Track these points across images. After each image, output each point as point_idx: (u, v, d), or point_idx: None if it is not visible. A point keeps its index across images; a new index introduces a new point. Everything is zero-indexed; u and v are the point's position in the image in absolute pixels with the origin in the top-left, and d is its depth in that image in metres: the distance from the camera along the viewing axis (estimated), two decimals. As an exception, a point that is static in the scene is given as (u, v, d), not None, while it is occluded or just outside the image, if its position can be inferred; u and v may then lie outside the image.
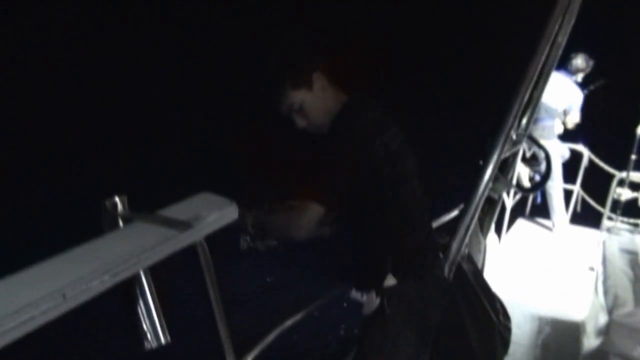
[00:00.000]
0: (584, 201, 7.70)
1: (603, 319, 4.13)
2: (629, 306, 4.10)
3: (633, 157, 6.57)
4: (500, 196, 3.83)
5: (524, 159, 4.10)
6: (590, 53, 6.92)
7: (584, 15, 2.95)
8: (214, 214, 1.26)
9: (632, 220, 6.87)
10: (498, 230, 5.71)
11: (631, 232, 6.17)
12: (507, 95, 3.04)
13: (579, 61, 6.85)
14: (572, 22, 2.94)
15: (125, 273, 1.05)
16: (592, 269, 5.92)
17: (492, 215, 3.89)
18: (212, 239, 1.30)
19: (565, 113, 6.85)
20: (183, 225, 1.19)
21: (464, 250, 3.01)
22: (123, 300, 1.23)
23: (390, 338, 2.49)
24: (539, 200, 7.36)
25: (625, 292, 4.34)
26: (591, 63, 6.93)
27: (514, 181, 4.22)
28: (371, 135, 2.37)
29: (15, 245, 6.32)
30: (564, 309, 5.17)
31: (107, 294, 1.03)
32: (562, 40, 3.04)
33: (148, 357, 1.35)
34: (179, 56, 12.55)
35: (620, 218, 6.79)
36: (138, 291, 1.20)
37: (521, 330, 4.69)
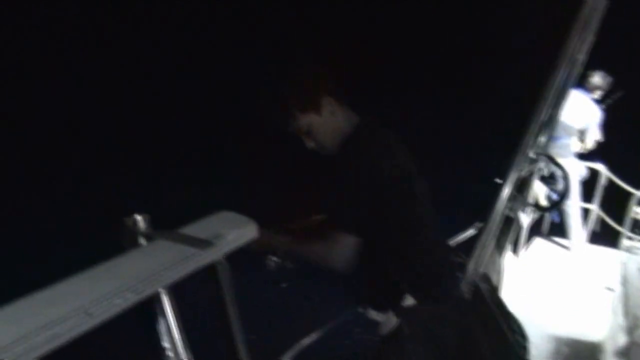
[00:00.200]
0: (602, 220, 7.64)
1: (622, 339, 4.08)
2: (649, 327, 4.06)
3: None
4: (517, 215, 3.81)
5: (541, 178, 4.08)
6: (607, 70, 6.89)
7: (602, 33, 2.94)
8: (234, 232, 1.27)
9: (651, 240, 6.81)
10: (515, 249, 5.69)
11: (650, 251, 6.11)
12: (526, 113, 3.04)
13: (597, 79, 6.82)
14: (591, 39, 2.93)
15: (147, 291, 1.06)
16: (610, 289, 5.87)
17: (509, 234, 3.88)
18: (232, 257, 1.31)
19: (582, 131, 6.82)
20: (204, 244, 1.20)
21: (481, 269, 3.00)
22: (143, 318, 1.24)
23: (407, 358, 2.49)
24: (556, 219, 7.30)
25: (645, 312, 4.30)
26: (609, 80, 6.90)
27: (531, 200, 4.19)
28: (384, 159, 2.37)
29: (39, 262, 6.35)
30: (581, 329, 5.13)
31: (129, 311, 1.04)
32: (581, 58, 3.03)
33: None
34: (204, 81, 12.60)
35: (639, 237, 6.73)
36: (159, 309, 1.21)
37: (538, 350, 4.65)
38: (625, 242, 6.74)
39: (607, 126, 6.94)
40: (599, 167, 7.35)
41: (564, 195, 4.11)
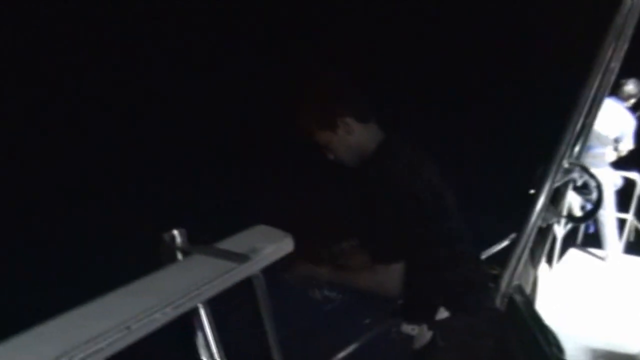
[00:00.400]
0: (637, 230, 7.54)
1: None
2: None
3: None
4: (551, 226, 3.78)
5: (575, 188, 4.05)
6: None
7: (636, 40, 2.92)
8: (270, 246, 1.28)
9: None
10: (549, 260, 5.64)
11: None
12: (559, 123, 3.02)
13: (631, 87, 6.73)
14: (625, 47, 2.91)
15: (186, 305, 1.07)
16: (646, 299, 5.78)
17: (543, 245, 3.84)
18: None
19: (617, 140, 6.74)
20: (240, 258, 1.21)
21: (516, 281, 2.98)
22: (182, 332, 1.25)
23: (442, 371, 2.48)
24: (591, 229, 7.21)
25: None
26: (643, 88, 6.81)
27: (565, 210, 4.16)
28: (411, 176, 2.36)
29: (80, 277, 6.41)
30: (618, 340, 5.06)
31: (167, 326, 1.05)
32: (615, 66, 3.00)
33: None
34: (230, 97, 12.67)
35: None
36: (197, 323, 1.22)
37: (575, 362, 4.60)
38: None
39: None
40: (635, 176, 7.25)
41: (597, 206, 4.07)
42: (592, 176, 3.83)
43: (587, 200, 4.15)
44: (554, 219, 3.64)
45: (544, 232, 3.72)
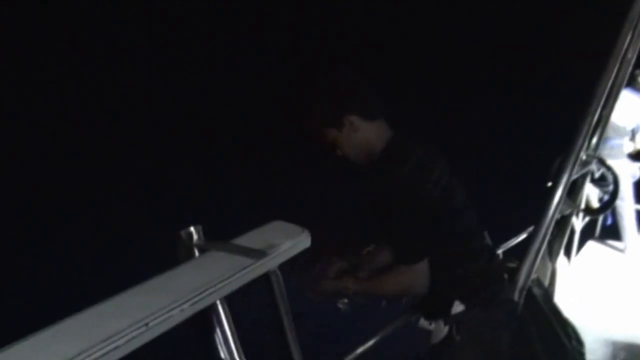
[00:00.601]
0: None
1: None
2: None
3: None
4: (569, 218, 3.76)
5: (593, 180, 4.02)
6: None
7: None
8: (287, 242, 1.27)
9: None
10: (568, 253, 5.60)
11: None
12: (576, 114, 3.00)
13: (647, 78, 6.67)
14: (642, 38, 2.89)
15: (203, 302, 1.07)
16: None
17: (561, 238, 3.83)
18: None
19: (634, 132, 6.68)
20: (258, 254, 1.21)
21: (534, 274, 2.96)
22: (200, 329, 1.25)
23: (460, 365, 2.47)
24: (609, 221, 7.16)
25: None
26: (660, 80, 6.74)
27: (583, 203, 4.14)
28: (421, 176, 2.35)
29: (96, 275, 6.46)
30: (638, 332, 5.02)
31: (185, 322, 1.05)
32: (632, 56, 2.98)
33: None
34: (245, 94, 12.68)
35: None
36: (215, 319, 1.22)
37: (595, 355, 4.57)
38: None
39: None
40: (653, 167, 7.18)
41: (612, 198, 4.05)
42: (609, 168, 3.82)
43: (605, 192, 4.13)
44: (572, 212, 3.63)
45: (562, 224, 3.70)
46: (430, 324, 2.57)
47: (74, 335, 0.90)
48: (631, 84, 6.61)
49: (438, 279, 2.43)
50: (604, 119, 3.42)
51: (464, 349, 2.48)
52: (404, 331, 2.84)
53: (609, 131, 6.32)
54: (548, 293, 3.12)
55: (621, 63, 2.97)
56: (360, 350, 2.64)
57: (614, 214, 6.88)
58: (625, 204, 6.75)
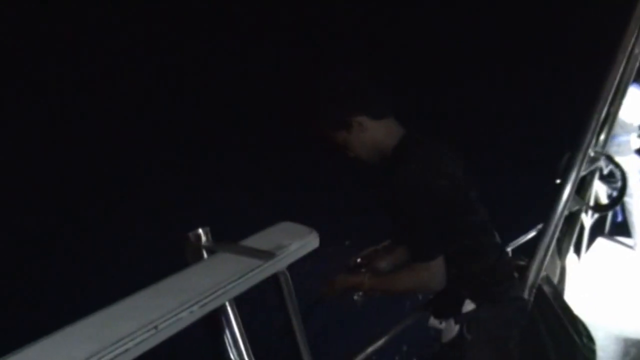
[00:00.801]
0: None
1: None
2: None
3: None
4: (578, 216, 3.75)
5: (601, 177, 4.01)
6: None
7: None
8: (295, 243, 1.27)
9: None
10: (577, 250, 5.59)
11: None
12: (584, 111, 2.99)
13: (655, 74, 6.64)
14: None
15: (212, 304, 1.07)
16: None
17: (571, 235, 3.82)
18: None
19: (641, 128, 6.65)
20: (266, 255, 1.21)
21: (544, 271, 2.96)
22: (209, 330, 1.26)
23: (471, 363, 2.47)
24: (619, 218, 7.13)
25: None
26: (668, 75, 6.71)
27: (592, 200, 4.13)
28: (433, 174, 2.34)
29: (105, 278, 6.48)
30: (649, 329, 5.00)
31: (194, 324, 1.05)
32: (639, 53, 2.97)
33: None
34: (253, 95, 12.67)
35: None
36: (224, 321, 1.22)
37: (606, 352, 4.55)
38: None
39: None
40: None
41: (620, 195, 4.04)
42: (617, 165, 3.81)
43: (614, 189, 4.12)
44: (581, 208, 3.62)
45: (571, 221, 3.69)
46: (441, 322, 2.57)
47: (83, 338, 0.90)
48: (638, 80, 6.57)
49: (448, 275, 2.43)
50: (611, 116, 3.41)
51: (475, 347, 2.47)
52: (413, 330, 2.84)
53: (616, 128, 6.30)
54: (558, 290, 3.11)
55: (628, 60, 2.96)
56: (370, 349, 2.64)
57: (623, 211, 6.85)
58: (634, 200, 6.72)
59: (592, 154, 3.28)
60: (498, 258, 2.60)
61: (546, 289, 2.92)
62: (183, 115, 11.89)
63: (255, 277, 1.17)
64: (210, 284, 1.09)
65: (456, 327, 2.49)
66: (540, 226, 3.01)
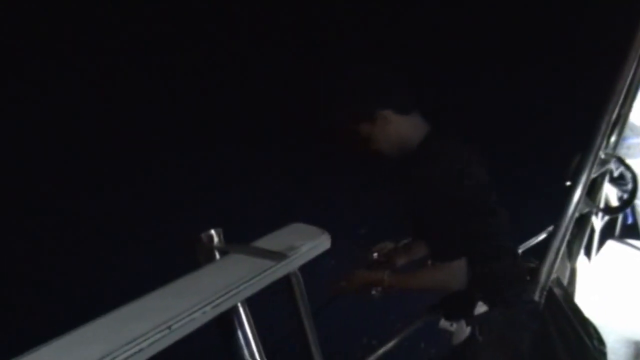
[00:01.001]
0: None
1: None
2: None
3: None
4: (589, 218, 3.74)
5: (612, 179, 4.00)
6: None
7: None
8: (307, 243, 1.28)
9: None
10: (588, 253, 5.57)
11: None
12: (595, 113, 2.98)
13: (665, 76, 6.62)
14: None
15: (225, 304, 1.08)
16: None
17: (581, 237, 3.80)
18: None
19: (652, 130, 6.63)
20: (278, 256, 1.21)
21: (554, 274, 2.95)
22: (221, 331, 1.26)
23: (483, 366, 2.46)
24: (629, 220, 7.10)
25: None
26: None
27: (602, 202, 4.12)
28: (461, 174, 2.33)
29: (118, 278, 6.50)
30: (660, 332, 4.98)
31: (207, 325, 1.06)
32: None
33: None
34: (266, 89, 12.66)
35: None
36: (236, 322, 1.23)
37: (616, 355, 4.53)
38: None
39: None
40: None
41: (631, 197, 4.03)
42: (627, 167, 3.79)
43: (624, 192, 4.10)
44: (591, 211, 3.60)
45: (582, 224, 3.68)
46: (452, 324, 2.56)
47: (97, 338, 0.91)
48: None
49: None
50: (622, 118, 3.40)
51: (487, 350, 2.46)
52: (424, 332, 2.84)
53: (626, 130, 6.28)
54: (568, 293, 3.10)
55: (639, 61, 2.95)
56: (381, 351, 2.64)
57: (634, 213, 6.82)
58: (645, 203, 6.69)
59: (602, 156, 3.27)
60: (512, 262, 2.60)
61: (557, 291, 2.91)
62: (191, 114, 11.89)
63: (267, 278, 1.17)
64: (223, 284, 1.10)
65: (467, 329, 2.48)
66: (550, 228, 3.00)
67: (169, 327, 0.95)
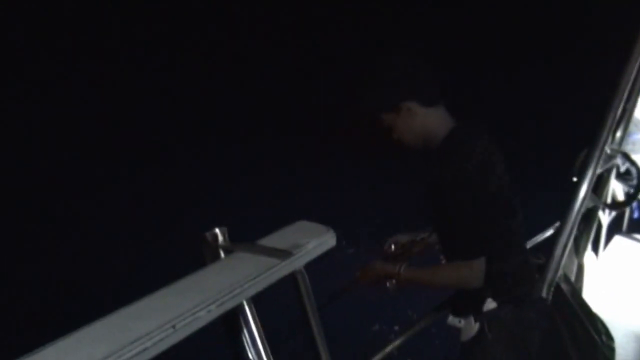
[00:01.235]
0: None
1: None
2: None
3: None
4: (595, 214, 3.73)
5: (618, 175, 3.98)
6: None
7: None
8: (313, 241, 1.27)
9: None
10: (595, 248, 5.55)
11: None
12: (600, 108, 2.97)
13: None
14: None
15: (230, 303, 1.07)
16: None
17: (588, 233, 3.79)
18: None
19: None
20: (283, 254, 1.21)
21: (561, 270, 2.93)
22: (227, 330, 1.26)
23: (492, 362, 2.45)
24: (636, 215, 7.07)
25: None
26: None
27: (609, 198, 4.10)
28: (487, 173, 2.31)
29: (123, 278, 6.51)
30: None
31: (212, 324, 1.05)
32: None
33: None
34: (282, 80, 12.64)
35: None
36: (242, 320, 1.22)
37: (625, 350, 4.51)
38: None
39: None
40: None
41: (636, 192, 4.01)
42: (633, 162, 3.78)
43: (630, 187, 4.09)
44: (598, 206, 3.59)
45: (589, 220, 3.67)
46: (460, 321, 2.54)
47: (101, 337, 0.90)
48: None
49: None
50: (627, 113, 3.38)
51: (497, 347, 2.45)
52: (433, 329, 2.83)
53: (631, 126, 6.25)
54: (576, 288, 3.09)
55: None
56: (389, 348, 2.63)
57: (641, 209, 6.80)
58: (652, 198, 6.66)
59: (608, 151, 3.26)
60: (523, 259, 2.58)
61: (564, 287, 2.90)
62: (194, 112, 11.88)
63: (273, 276, 1.17)
64: (228, 283, 1.09)
65: (476, 326, 2.47)
66: (557, 224, 2.99)
67: (174, 326, 0.95)
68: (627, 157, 3.77)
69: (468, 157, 2.29)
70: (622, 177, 3.99)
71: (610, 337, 2.89)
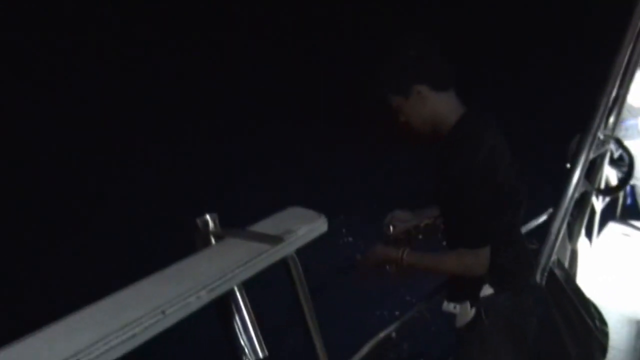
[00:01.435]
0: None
1: None
2: None
3: None
4: (589, 199, 3.73)
5: (611, 161, 3.99)
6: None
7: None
8: (304, 227, 1.27)
9: None
10: (588, 234, 5.57)
11: None
12: (593, 94, 2.97)
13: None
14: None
15: (220, 289, 1.07)
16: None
17: (581, 219, 3.80)
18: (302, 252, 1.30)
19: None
20: (275, 240, 1.20)
21: (555, 256, 2.94)
22: (218, 316, 1.25)
23: (491, 351, 2.44)
24: (629, 201, 7.08)
25: None
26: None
27: (603, 183, 4.11)
28: (496, 162, 2.30)
29: (113, 264, 6.51)
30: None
31: (203, 309, 1.05)
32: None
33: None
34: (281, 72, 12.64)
35: None
36: (233, 306, 1.22)
37: (618, 334, 4.53)
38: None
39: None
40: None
41: (627, 178, 4.02)
42: (625, 148, 3.78)
43: (623, 173, 4.10)
44: (591, 192, 3.60)
45: (582, 205, 3.67)
46: (455, 307, 2.52)
47: (91, 323, 0.90)
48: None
49: None
50: (620, 98, 3.38)
51: (494, 335, 2.44)
52: (428, 314, 2.83)
53: (624, 112, 6.25)
54: (570, 274, 3.10)
55: (636, 42, 2.94)
56: (383, 333, 2.64)
57: (634, 195, 6.82)
58: (643, 183, 6.68)
59: (601, 137, 3.26)
60: (522, 247, 2.58)
61: (558, 272, 2.90)
62: (187, 103, 11.87)
63: (264, 261, 1.17)
64: (218, 269, 1.09)
65: (472, 312, 2.46)
66: (550, 210, 3.00)
67: (163, 312, 0.94)
68: (619, 143, 3.77)
69: (477, 148, 2.28)
70: (615, 163, 3.99)
71: (603, 322, 2.90)
